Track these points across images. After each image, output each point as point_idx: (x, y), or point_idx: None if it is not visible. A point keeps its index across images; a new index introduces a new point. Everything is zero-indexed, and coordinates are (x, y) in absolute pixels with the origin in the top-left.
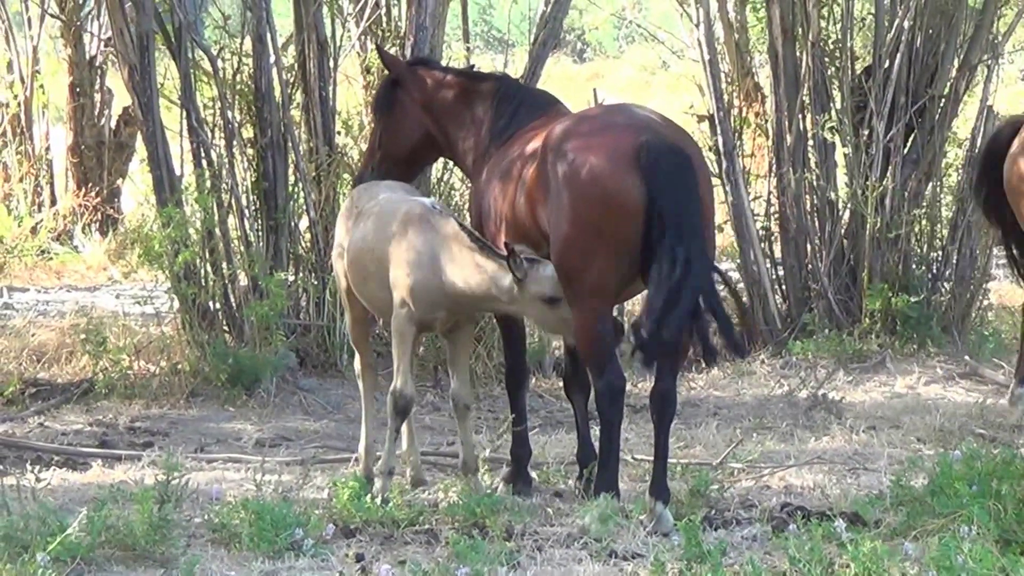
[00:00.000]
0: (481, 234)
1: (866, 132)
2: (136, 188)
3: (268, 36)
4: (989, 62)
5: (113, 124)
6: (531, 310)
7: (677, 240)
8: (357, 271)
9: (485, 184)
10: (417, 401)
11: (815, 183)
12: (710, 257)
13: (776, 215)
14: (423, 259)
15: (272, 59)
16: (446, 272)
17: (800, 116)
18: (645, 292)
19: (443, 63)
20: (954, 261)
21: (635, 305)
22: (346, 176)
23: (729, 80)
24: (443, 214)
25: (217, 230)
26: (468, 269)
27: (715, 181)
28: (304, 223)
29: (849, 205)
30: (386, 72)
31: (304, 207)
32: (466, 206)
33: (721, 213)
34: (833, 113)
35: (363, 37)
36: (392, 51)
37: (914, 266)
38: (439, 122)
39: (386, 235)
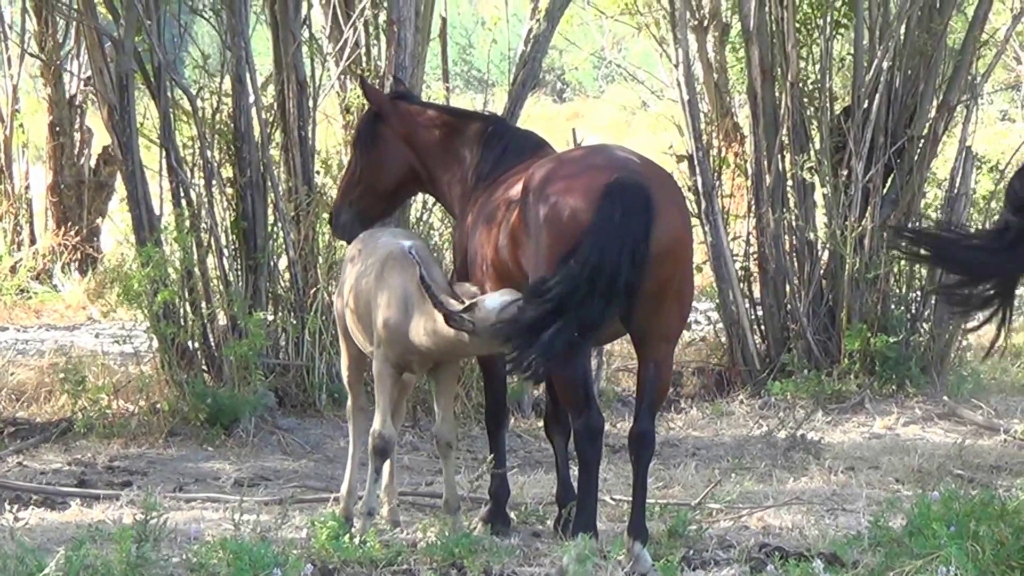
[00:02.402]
0: (468, 278)
1: (845, 172)
2: (115, 227)
3: (247, 76)
4: (968, 102)
5: (93, 163)
6: (496, 347)
7: (588, 261)
8: (354, 310)
9: (471, 228)
10: (397, 441)
11: (794, 223)
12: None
13: (755, 255)
14: (395, 301)
15: (252, 99)
16: (414, 317)
17: (779, 156)
18: None
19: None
20: (933, 301)
21: (614, 346)
22: (325, 216)
23: (708, 120)
24: (414, 259)
25: (196, 269)
26: (431, 317)
27: (694, 221)
28: (283, 263)
29: (828, 245)
30: (367, 107)
31: (283, 247)
32: (445, 246)
33: (700, 253)
34: (812, 153)
35: (343, 77)
36: None
37: (893, 306)
38: (422, 158)
39: (372, 276)
